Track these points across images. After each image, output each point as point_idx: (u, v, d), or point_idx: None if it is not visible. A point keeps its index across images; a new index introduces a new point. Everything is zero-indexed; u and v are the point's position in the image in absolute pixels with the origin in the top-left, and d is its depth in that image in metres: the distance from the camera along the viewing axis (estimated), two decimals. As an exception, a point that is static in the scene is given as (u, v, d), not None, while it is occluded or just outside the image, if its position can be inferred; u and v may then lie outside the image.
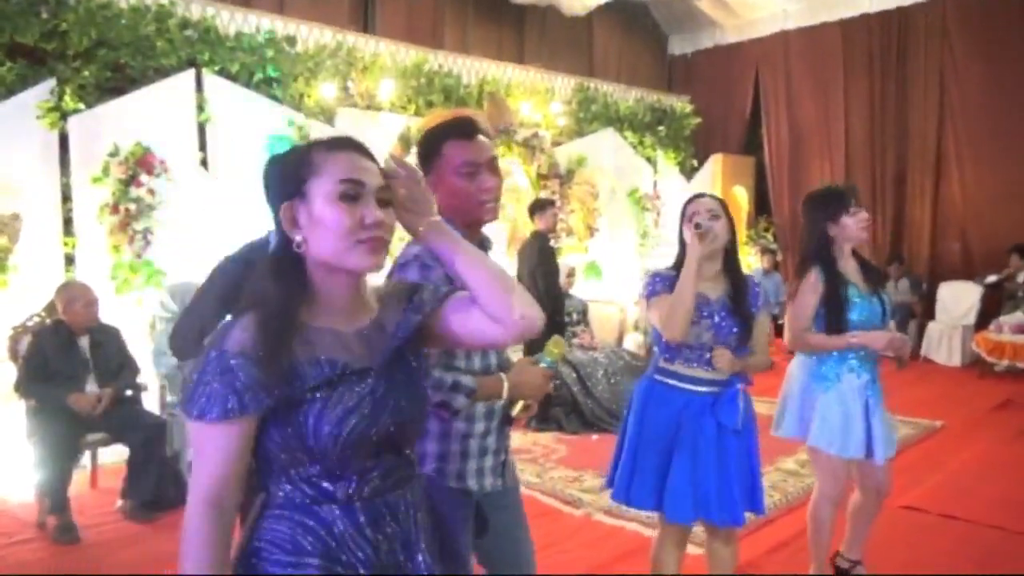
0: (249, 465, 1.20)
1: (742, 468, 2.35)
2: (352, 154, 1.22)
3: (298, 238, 1.20)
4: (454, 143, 1.81)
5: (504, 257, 6.72)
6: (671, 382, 2.39)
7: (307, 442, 1.17)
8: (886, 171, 8.83)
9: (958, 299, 8.01)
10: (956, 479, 4.30)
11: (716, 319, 2.34)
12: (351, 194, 1.19)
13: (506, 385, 1.81)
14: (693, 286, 2.26)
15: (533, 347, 5.76)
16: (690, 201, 2.44)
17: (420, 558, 1.27)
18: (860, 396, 2.64)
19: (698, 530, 2.59)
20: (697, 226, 2.28)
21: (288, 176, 1.22)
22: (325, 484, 1.21)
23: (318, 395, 1.18)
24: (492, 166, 1.84)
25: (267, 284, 1.20)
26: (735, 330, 2.34)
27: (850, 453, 2.61)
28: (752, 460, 2.39)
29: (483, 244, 1.93)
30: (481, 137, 1.84)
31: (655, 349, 2.50)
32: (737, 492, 2.33)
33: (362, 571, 1.20)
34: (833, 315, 2.63)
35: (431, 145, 1.84)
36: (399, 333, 1.27)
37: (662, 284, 2.38)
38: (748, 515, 2.43)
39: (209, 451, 1.15)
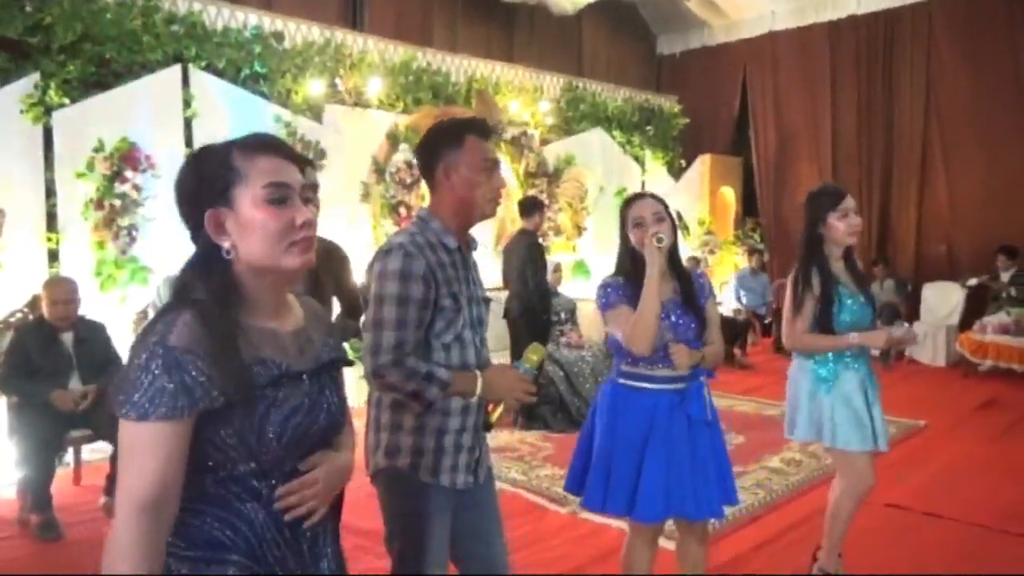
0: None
1: (715, 460, 2.36)
2: (272, 156, 1.21)
3: (226, 244, 1.18)
4: (476, 139, 1.87)
5: (491, 255, 6.72)
6: (638, 384, 2.36)
7: (248, 440, 1.16)
8: (872, 172, 8.89)
9: (942, 300, 8.08)
10: (939, 478, 4.34)
11: (673, 318, 2.32)
12: (279, 198, 1.19)
13: (480, 383, 1.82)
14: (657, 303, 2.24)
15: (518, 353, 5.76)
16: (630, 203, 2.38)
17: (325, 563, 1.29)
18: (860, 390, 2.68)
19: (669, 527, 2.58)
20: (659, 239, 2.24)
21: (211, 183, 1.19)
22: (254, 482, 1.20)
23: (266, 394, 1.18)
24: (500, 167, 1.94)
25: (198, 284, 1.18)
26: (693, 326, 2.34)
27: (866, 445, 2.66)
28: (719, 450, 2.39)
29: (470, 244, 1.98)
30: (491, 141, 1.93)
31: (611, 352, 2.49)
32: (713, 484, 2.33)
33: (279, 571, 1.22)
34: (825, 316, 2.65)
35: (454, 134, 1.88)
36: (330, 352, 1.33)
37: (616, 294, 2.35)
38: (730, 510, 2.43)
39: (149, 452, 1.08)
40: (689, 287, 2.38)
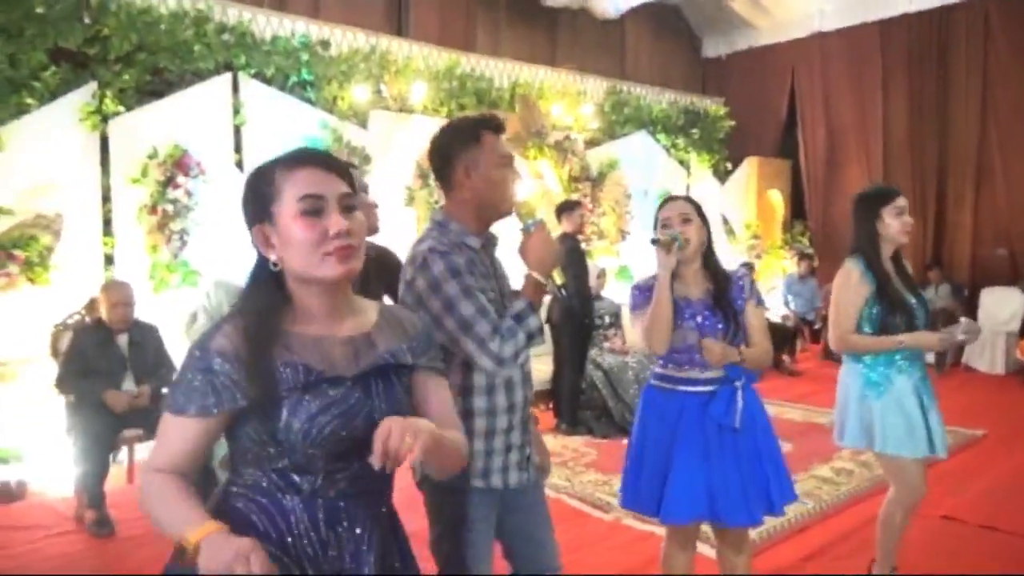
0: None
1: (752, 467, 2.30)
2: (310, 169, 1.26)
3: (273, 258, 1.27)
4: (492, 136, 1.84)
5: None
6: (667, 386, 2.39)
7: (278, 436, 1.23)
8: (926, 174, 8.64)
9: (1001, 305, 7.78)
10: (997, 489, 4.19)
11: (699, 319, 2.31)
12: (312, 209, 1.23)
13: (535, 276, 1.82)
14: (667, 301, 2.27)
15: (560, 355, 5.69)
16: (662, 206, 2.42)
17: (366, 571, 1.28)
18: (914, 394, 2.61)
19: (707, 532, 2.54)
20: (654, 241, 2.29)
21: (254, 202, 1.28)
22: (293, 476, 1.26)
23: (291, 395, 1.23)
24: (515, 163, 1.90)
25: (249, 295, 1.30)
26: (720, 327, 2.31)
27: (919, 453, 2.59)
28: (763, 459, 2.32)
29: (491, 241, 1.96)
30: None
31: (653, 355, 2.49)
32: (750, 491, 2.27)
33: (306, 566, 1.24)
34: (888, 315, 2.60)
35: (470, 132, 1.84)
36: (388, 358, 1.33)
37: (642, 297, 2.38)
38: (781, 520, 2.38)
39: (176, 439, 1.25)
40: (723, 288, 2.35)
